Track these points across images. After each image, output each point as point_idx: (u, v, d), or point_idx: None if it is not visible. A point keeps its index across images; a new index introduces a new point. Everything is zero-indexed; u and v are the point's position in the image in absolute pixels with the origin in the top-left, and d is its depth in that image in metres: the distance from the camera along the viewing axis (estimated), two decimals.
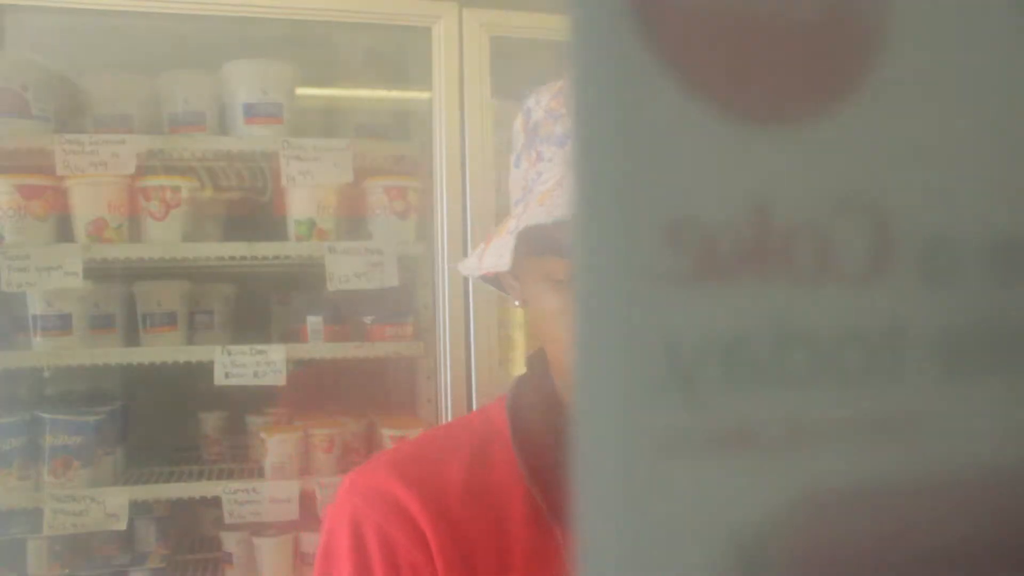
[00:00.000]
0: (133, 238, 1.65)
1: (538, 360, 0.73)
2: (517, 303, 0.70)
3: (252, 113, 1.68)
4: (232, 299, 1.83)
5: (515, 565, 0.66)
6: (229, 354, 1.59)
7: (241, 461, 1.82)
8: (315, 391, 1.85)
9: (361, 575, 0.66)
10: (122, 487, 1.61)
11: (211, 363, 1.59)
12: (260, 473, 1.69)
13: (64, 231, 1.62)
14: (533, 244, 0.62)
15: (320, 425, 1.71)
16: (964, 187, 0.15)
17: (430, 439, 0.75)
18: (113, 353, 1.62)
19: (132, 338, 1.72)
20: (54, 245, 1.57)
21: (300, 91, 1.76)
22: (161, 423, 1.91)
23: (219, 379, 1.59)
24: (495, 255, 0.64)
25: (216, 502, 1.62)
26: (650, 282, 0.13)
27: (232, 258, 1.67)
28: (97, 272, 1.65)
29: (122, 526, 1.56)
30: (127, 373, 1.85)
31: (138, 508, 1.71)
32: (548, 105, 0.66)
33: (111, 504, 1.54)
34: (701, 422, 0.14)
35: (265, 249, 1.64)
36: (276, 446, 1.68)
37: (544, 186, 0.62)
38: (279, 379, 1.60)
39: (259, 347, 1.59)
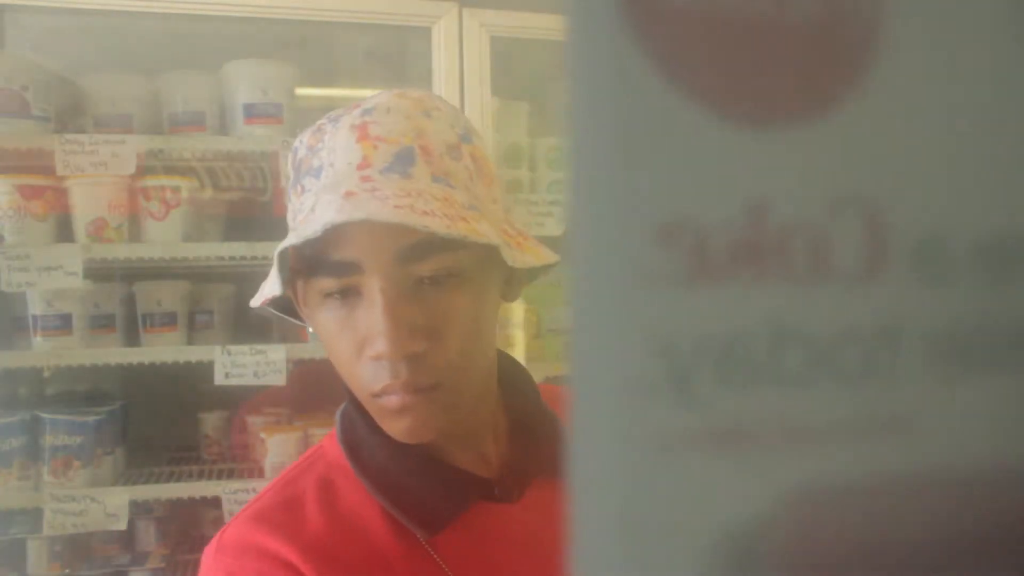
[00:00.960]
0: (133, 238, 1.65)
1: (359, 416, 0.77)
2: (310, 329, 0.73)
3: (252, 113, 1.68)
4: (232, 299, 1.83)
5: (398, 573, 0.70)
6: (229, 354, 1.59)
7: (241, 461, 1.82)
8: (315, 391, 1.85)
9: None
10: (122, 487, 1.61)
11: (211, 363, 1.59)
12: (260, 473, 1.69)
13: (64, 231, 1.62)
14: (303, 267, 0.67)
15: (320, 425, 1.71)
16: (957, 187, 0.15)
17: (278, 489, 0.76)
18: (113, 353, 1.62)
19: (132, 338, 1.72)
20: (54, 245, 1.57)
21: (300, 91, 1.76)
22: (161, 423, 1.91)
23: (219, 379, 1.59)
24: (270, 283, 0.69)
25: (216, 502, 1.62)
26: (645, 283, 0.13)
27: (232, 258, 1.67)
28: (97, 272, 1.65)
29: (122, 526, 1.56)
30: (127, 373, 1.85)
31: (138, 508, 1.71)
32: (308, 142, 0.70)
33: (111, 504, 1.54)
34: (696, 420, 0.14)
35: (265, 249, 1.64)
36: (276, 446, 1.68)
37: (302, 213, 0.67)
38: (279, 379, 1.60)
39: (259, 347, 1.59)
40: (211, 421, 1.85)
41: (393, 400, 0.66)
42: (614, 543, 0.14)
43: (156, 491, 1.62)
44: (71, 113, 1.71)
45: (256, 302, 0.73)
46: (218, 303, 1.78)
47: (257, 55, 1.72)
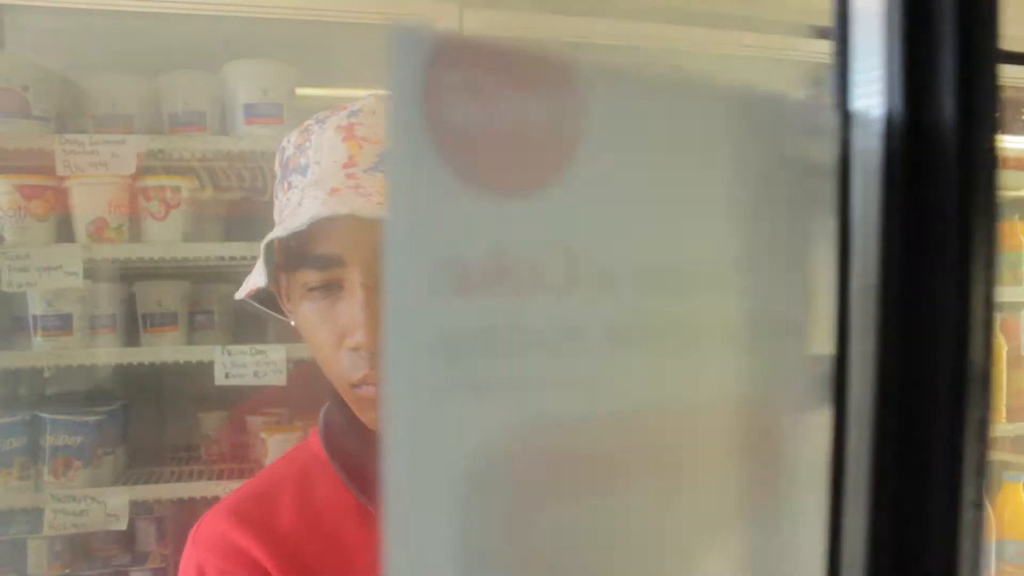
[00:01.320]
0: (133, 238, 1.65)
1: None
2: (293, 323, 0.76)
3: (252, 113, 1.68)
4: (232, 299, 1.82)
5: (359, 567, 0.72)
6: (229, 354, 1.59)
7: (241, 461, 1.82)
8: (315, 391, 1.85)
9: None
10: (122, 487, 1.61)
11: (211, 363, 1.59)
12: None
13: (64, 231, 1.62)
14: (287, 260, 0.71)
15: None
16: (622, 237, 0.24)
17: (262, 478, 0.82)
18: (113, 353, 1.62)
19: (132, 338, 1.73)
20: (54, 245, 1.57)
21: (300, 91, 1.76)
22: (161, 423, 1.91)
23: (219, 379, 1.59)
24: (255, 275, 0.73)
25: (216, 502, 1.62)
26: (433, 294, 0.21)
27: (232, 258, 1.67)
28: (97, 272, 1.65)
29: (122, 526, 1.56)
30: (127, 373, 1.85)
31: (138, 508, 1.71)
32: (296, 141, 0.72)
33: (111, 504, 1.54)
34: (458, 376, 0.21)
35: None
36: (276, 446, 1.68)
37: (288, 208, 0.70)
38: (279, 379, 1.60)
39: (259, 347, 1.60)
40: (211, 421, 1.85)
41: (371, 391, 0.69)
42: (406, 462, 0.20)
43: (156, 491, 1.62)
44: (71, 113, 1.71)
45: (240, 294, 0.76)
46: (218, 303, 1.78)
47: (257, 55, 1.72)
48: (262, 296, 0.78)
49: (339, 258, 0.67)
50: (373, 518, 0.73)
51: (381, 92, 0.73)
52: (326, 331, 0.69)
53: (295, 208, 0.68)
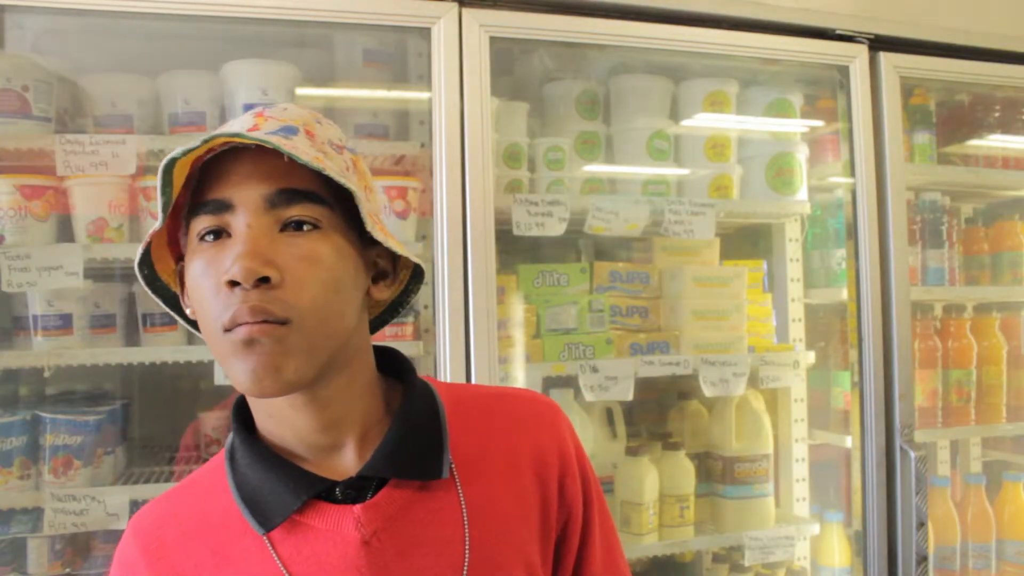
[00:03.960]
0: (133, 238, 1.65)
1: (245, 405, 0.84)
2: (188, 310, 0.78)
3: None
4: None
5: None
6: None
7: None
8: None
9: None
10: (122, 486, 1.61)
11: (211, 363, 1.59)
12: None
13: (65, 231, 1.62)
14: (185, 213, 0.76)
15: None
16: None
17: (185, 483, 0.86)
18: (113, 353, 1.62)
19: (132, 338, 1.73)
20: (55, 245, 1.57)
21: (300, 91, 1.76)
22: (161, 423, 1.91)
23: (219, 379, 1.59)
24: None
25: None
26: None
27: None
28: (97, 272, 1.65)
29: (122, 525, 1.56)
30: (127, 373, 1.85)
31: (138, 507, 1.71)
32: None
33: (111, 503, 1.54)
34: None
35: None
36: None
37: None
38: None
39: None
40: (211, 421, 1.85)
41: (241, 332, 0.69)
42: None
43: (156, 490, 1.62)
44: (71, 113, 1.71)
45: (138, 257, 0.78)
46: None
47: (257, 55, 1.72)
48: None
49: (228, 203, 0.72)
50: (249, 528, 0.76)
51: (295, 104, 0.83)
52: (208, 279, 0.71)
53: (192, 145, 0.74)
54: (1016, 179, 2.34)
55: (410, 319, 1.71)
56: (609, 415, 2.02)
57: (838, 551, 2.04)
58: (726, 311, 1.99)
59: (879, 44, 1.95)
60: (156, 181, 0.72)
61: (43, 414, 1.59)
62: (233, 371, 0.71)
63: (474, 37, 1.64)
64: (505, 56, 1.77)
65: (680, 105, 2.09)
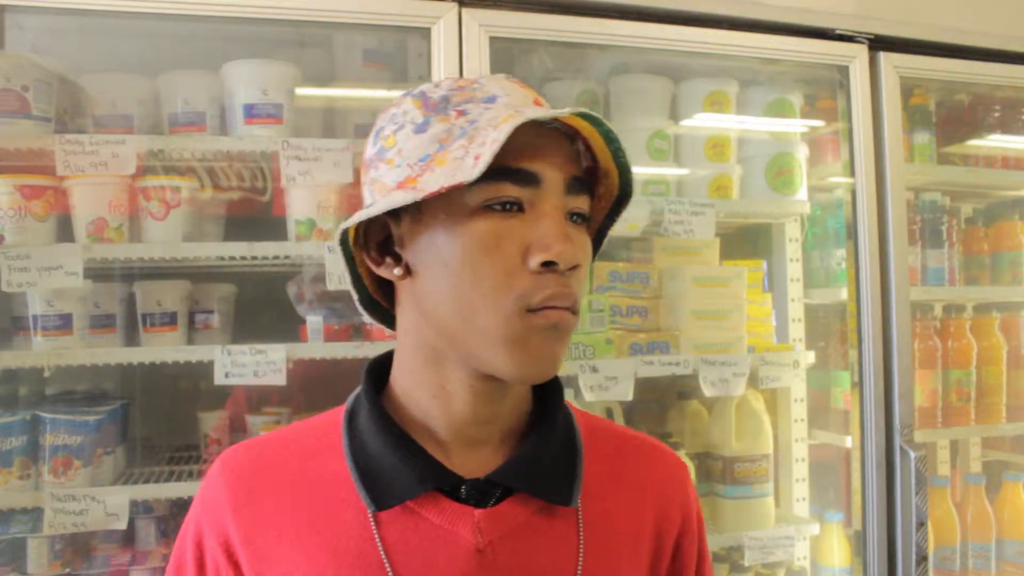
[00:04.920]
0: (133, 238, 1.65)
1: (379, 369, 0.80)
2: (397, 271, 0.74)
3: (252, 113, 1.68)
4: (232, 299, 1.83)
5: (327, 545, 0.72)
6: (229, 354, 1.59)
7: None
8: (315, 391, 1.85)
9: (177, 559, 0.78)
10: (122, 486, 1.61)
11: (211, 363, 1.59)
12: None
13: (64, 231, 1.62)
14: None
15: None
16: None
17: (286, 436, 0.80)
18: (113, 353, 1.62)
19: (132, 338, 1.73)
20: (55, 245, 1.57)
21: (300, 91, 1.76)
22: (161, 423, 1.91)
23: (219, 379, 1.59)
24: (463, 171, 0.66)
25: None
26: None
27: (232, 258, 1.68)
28: (97, 272, 1.65)
29: (122, 525, 1.56)
30: (127, 373, 1.85)
31: (138, 507, 1.71)
32: (455, 86, 0.74)
33: (111, 503, 1.54)
34: None
35: (265, 249, 1.65)
36: None
37: (499, 118, 0.69)
38: (279, 379, 1.60)
39: (259, 347, 1.60)
40: (211, 421, 1.85)
41: (552, 315, 0.68)
42: None
43: (156, 491, 1.62)
44: (71, 113, 1.71)
45: (419, 195, 0.67)
46: (218, 303, 1.78)
47: (257, 55, 1.72)
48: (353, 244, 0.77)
49: (538, 177, 0.69)
50: (359, 499, 0.72)
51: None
52: (505, 250, 0.68)
53: (487, 124, 0.69)
54: (1016, 179, 2.34)
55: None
56: (609, 415, 2.02)
57: (838, 551, 2.04)
58: (726, 311, 1.99)
59: (879, 44, 1.95)
60: (501, 132, 0.66)
61: (43, 414, 1.59)
62: (515, 352, 0.69)
63: (474, 37, 1.64)
64: (505, 56, 1.77)
65: (680, 105, 2.09)
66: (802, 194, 2.09)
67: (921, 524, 1.86)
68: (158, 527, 1.76)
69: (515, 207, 0.68)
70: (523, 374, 0.69)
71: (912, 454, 1.87)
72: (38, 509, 1.54)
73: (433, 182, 0.67)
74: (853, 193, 1.94)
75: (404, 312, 0.77)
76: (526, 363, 0.69)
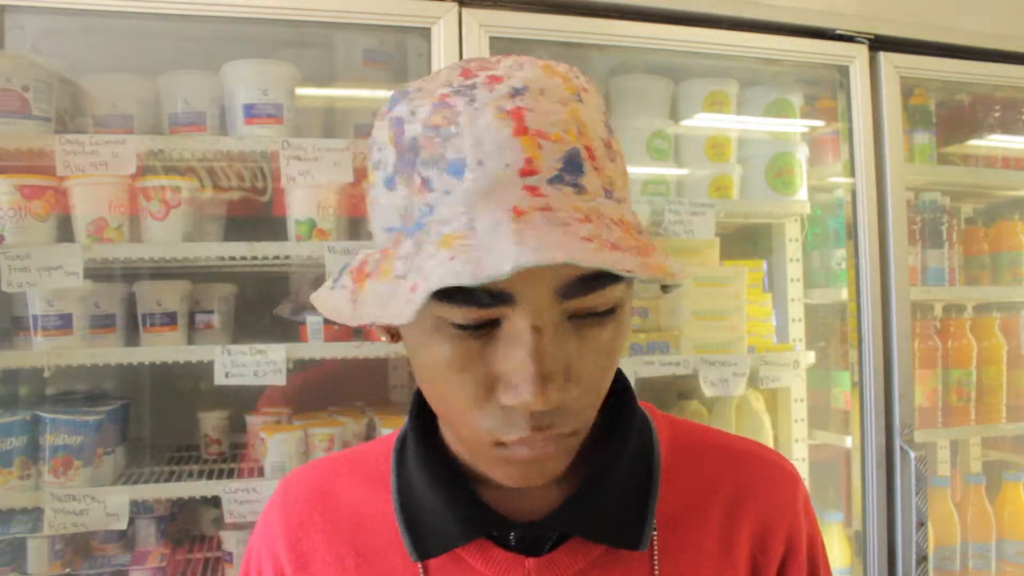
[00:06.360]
0: (133, 238, 1.65)
1: (425, 406, 0.71)
2: (384, 338, 0.64)
3: (252, 113, 1.68)
4: (232, 299, 1.83)
5: None
6: (229, 354, 1.59)
7: (241, 461, 1.82)
8: (314, 391, 1.86)
9: None
10: (122, 486, 1.61)
11: (211, 363, 1.59)
12: (260, 473, 1.69)
13: (64, 231, 1.62)
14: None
15: (320, 424, 1.71)
16: None
17: (348, 462, 0.76)
18: (113, 353, 1.62)
19: (132, 338, 1.73)
20: (55, 245, 1.57)
21: (300, 91, 1.76)
22: (161, 423, 1.91)
23: (219, 379, 1.59)
24: (396, 306, 0.52)
25: (216, 502, 1.62)
26: None
27: (232, 258, 1.68)
28: (97, 272, 1.65)
29: (122, 525, 1.56)
30: (127, 373, 1.85)
31: (138, 507, 1.71)
32: (429, 120, 0.55)
33: (111, 503, 1.54)
34: None
35: (265, 249, 1.65)
36: (276, 446, 1.68)
37: (447, 227, 0.52)
38: (279, 379, 1.60)
39: (259, 347, 1.60)
40: (211, 421, 1.86)
41: (523, 452, 0.57)
42: None
43: (156, 491, 1.62)
44: (71, 113, 1.71)
45: (356, 321, 0.56)
46: (218, 303, 1.79)
47: (257, 55, 1.72)
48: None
49: (508, 296, 0.53)
50: (402, 547, 0.67)
51: (531, 57, 0.60)
52: (470, 378, 0.56)
53: (464, 234, 0.51)
54: (1016, 179, 2.34)
55: None
56: None
57: (838, 551, 2.04)
58: (726, 311, 1.99)
59: (879, 44, 1.95)
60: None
61: (43, 414, 1.59)
62: (496, 469, 0.60)
63: (474, 37, 1.64)
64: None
65: (680, 105, 2.09)
66: (802, 194, 2.09)
67: (921, 524, 1.86)
68: (158, 527, 1.76)
69: (486, 324, 0.55)
70: (514, 484, 0.61)
71: (912, 454, 1.87)
72: (38, 509, 1.54)
73: (368, 306, 0.54)
74: (853, 193, 1.94)
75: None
76: (514, 478, 0.60)
